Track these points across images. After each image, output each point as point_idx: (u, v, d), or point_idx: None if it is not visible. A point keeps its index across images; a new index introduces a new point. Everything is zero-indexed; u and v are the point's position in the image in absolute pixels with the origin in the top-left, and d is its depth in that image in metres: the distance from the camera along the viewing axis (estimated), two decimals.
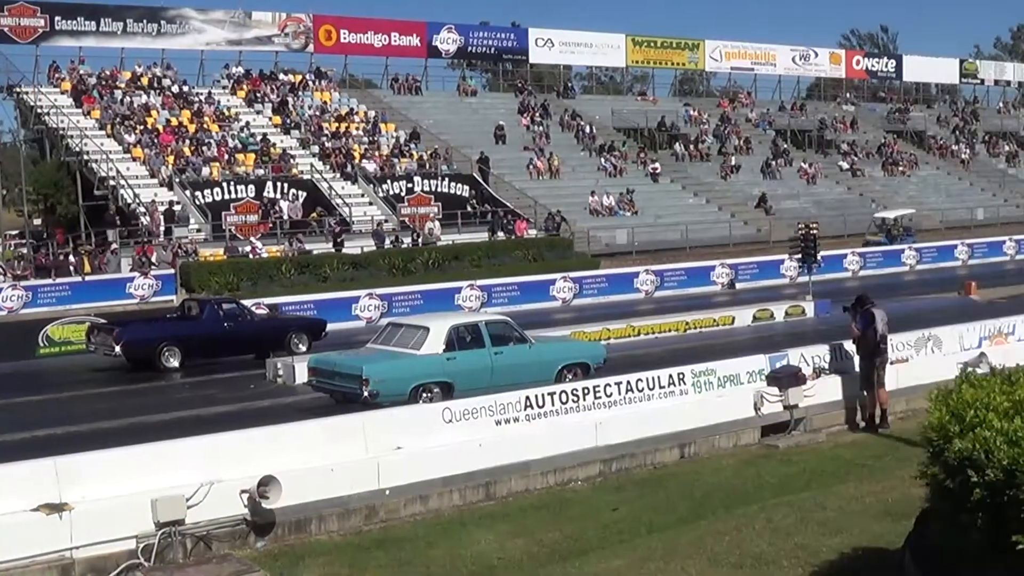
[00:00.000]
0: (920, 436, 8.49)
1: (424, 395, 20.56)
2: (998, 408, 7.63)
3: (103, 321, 31.30)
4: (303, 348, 29.07)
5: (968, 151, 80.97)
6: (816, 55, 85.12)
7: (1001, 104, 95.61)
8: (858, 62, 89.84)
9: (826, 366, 21.10)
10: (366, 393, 20.10)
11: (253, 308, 31.94)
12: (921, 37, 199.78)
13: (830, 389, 20.55)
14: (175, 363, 28.32)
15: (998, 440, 7.02)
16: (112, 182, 45.89)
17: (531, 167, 59.10)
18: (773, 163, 68.02)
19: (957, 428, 7.58)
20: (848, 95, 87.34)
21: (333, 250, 44.02)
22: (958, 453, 7.28)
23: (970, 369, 9.64)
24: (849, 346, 20.86)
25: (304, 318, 33.48)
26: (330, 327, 31.92)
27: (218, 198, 46.27)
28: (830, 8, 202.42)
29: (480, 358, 21.60)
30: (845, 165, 72.01)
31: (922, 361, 22.28)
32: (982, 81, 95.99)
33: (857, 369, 20.42)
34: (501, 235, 49.23)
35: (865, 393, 20.03)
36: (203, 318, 29.53)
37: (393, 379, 20.69)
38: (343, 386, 21.01)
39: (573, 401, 18.11)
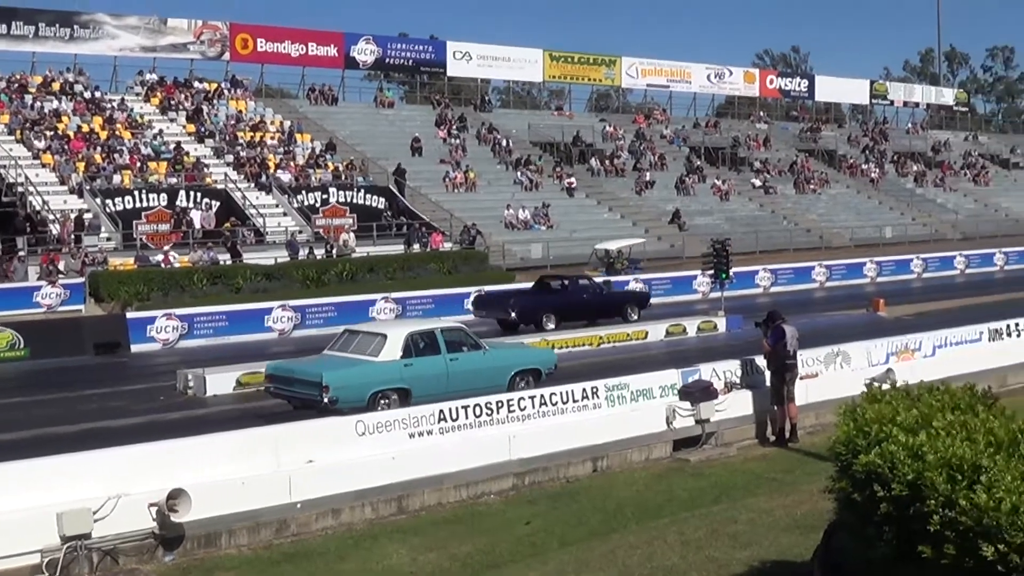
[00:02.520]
0: (828, 450, 8.59)
1: (382, 401, 20.75)
2: (903, 423, 7.76)
3: (491, 290, 39.53)
4: (635, 316, 36.93)
5: (877, 170, 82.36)
6: (731, 74, 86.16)
7: (910, 125, 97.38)
8: (771, 81, 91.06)
9: (737, 381, 21.34)
10: (326, 399, 20.22)
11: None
12: (833, 58, 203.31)
13: (741, 403, 20.77)
14: (551, 326, 34.65)
15: (903, 454, 7.13)
16: (21, 188, 45.02)
17: (447, 180, 59.10)
18: (687, 179, 68.65)
19: (864, 442, 7.68)
20: (761, 113, 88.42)
21: (236, 261, 43.38)
22: (865, 467, 7.37)
23: (877, 384, 9.80)
24: (760, 361, 21.11)
25: (636, 291, 42.24)
26: (242, 339, 33.15)
27: (129, 206, 45.51)
28: (744, 28, 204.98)
29: (436, 364, 21.85)
30: (758, 182, 72.83)
31: (831, 376, 22.59)
32: (891, 102, 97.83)
33: (768, 384, 20.65)
34: (416, 248, 49.05)
35: (775, 408, 20.25)
36: (568, 291, 37.01)
37: (352, 386, 20.82)
38: (302, 392, 21.08)
39: (487, 415, 18.15)
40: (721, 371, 21.28)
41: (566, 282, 37.73)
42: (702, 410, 19.68)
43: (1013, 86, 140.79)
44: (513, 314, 34.89)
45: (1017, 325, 27.70)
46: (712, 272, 38.35)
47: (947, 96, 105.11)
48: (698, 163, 72.78)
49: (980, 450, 6.93)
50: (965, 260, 59.18)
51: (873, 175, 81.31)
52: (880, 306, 39.52)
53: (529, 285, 38.81)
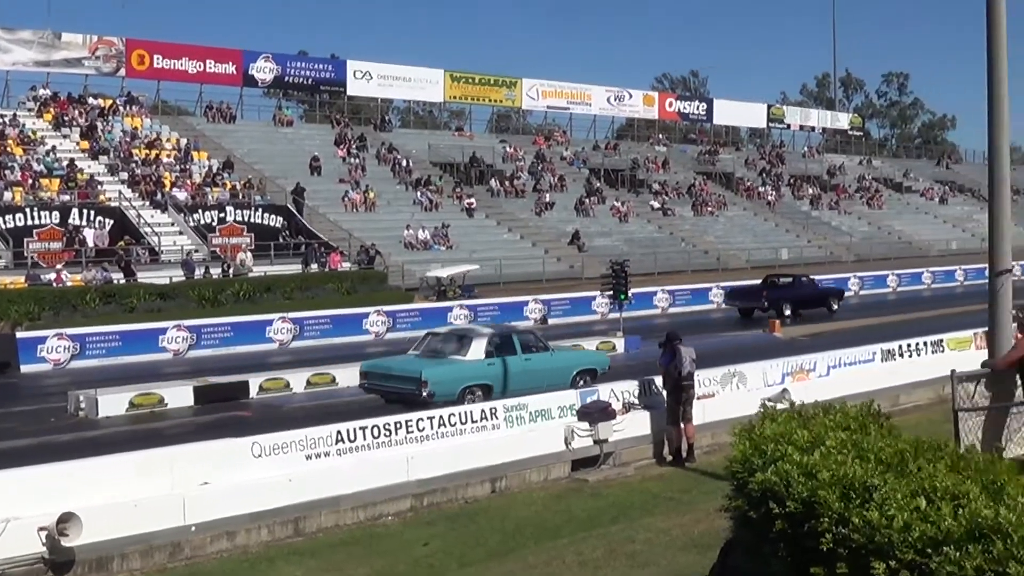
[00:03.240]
0: (725, 469, 8.65)
1: (469, 396, 23.07)
2: (798, 442, 7.83)
3: (739, 285, 50.29)
4: (835, 307, 47.64)
5: (774, 193, 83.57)
6: (630, 96, 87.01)
7: (806, 148, 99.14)
8: (671, 104, 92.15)
9: (635, 401, 21.43)
10: (424, 394, 22.59)
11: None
12: (731, 82, 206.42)
13: (639, 424, 20.87)
14: (788, 312, 44.36)
15: (797, 473, 7.19)
16: None
17: (346, 199, 58.80)
18: (586, 201, 69.07)
19: (760, 461, 7.73)
20: (660, 136, 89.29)
21: (130, 280, 42.71)
22: (760, 485, 7.42)
23: (773, 404, 9.89)
24: (658, 381, 21.25)
25: (835, 288, 51.43)
26: (136, 359, 33.22)
27: (20, 224, 44.66)
28: (644, 51, 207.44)
29: (514, 364, 24.49)
30: (656, 204, 73.50)
31: (728, 396, 22.78)
32: (788, 126, 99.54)
33: (665, 404, 20.78)
34: (314, 267, 48.72)
35: (672, 427, 20.38)
36: (794, 285, 47.28)
37: (446, 381, 23.30)
38: (400, 388, 23.53)
39: (385, 435, 18.01)
40: (619, 391, 21.36)
41: (791, 279, 48.03)
42: (600, 430, 19.74)
43: (907, 111, 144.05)
44: (766, 303, 44.71)
45: (909, 346, 28.25)
46: (611, 293, 38.57)
47: (842, 121, 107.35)
48: (597, 185, 73.27)
49: (872, 468, 7.01)
50: (859, 282, 60.18)
51: (770, 198, 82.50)
52: (776, 327, 39.98)
53: (756, 282, 47.85)
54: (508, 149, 74.37)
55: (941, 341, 29.14)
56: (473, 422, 19.20)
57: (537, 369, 24.67)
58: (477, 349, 24.46)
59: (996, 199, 15.44)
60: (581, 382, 24.72)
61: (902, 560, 6.11)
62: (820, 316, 45.23)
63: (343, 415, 20.87)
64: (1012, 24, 15.30)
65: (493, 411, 19.59)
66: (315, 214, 55.66)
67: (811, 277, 50.33)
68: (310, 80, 71.21)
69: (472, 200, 63.61)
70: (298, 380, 28.30)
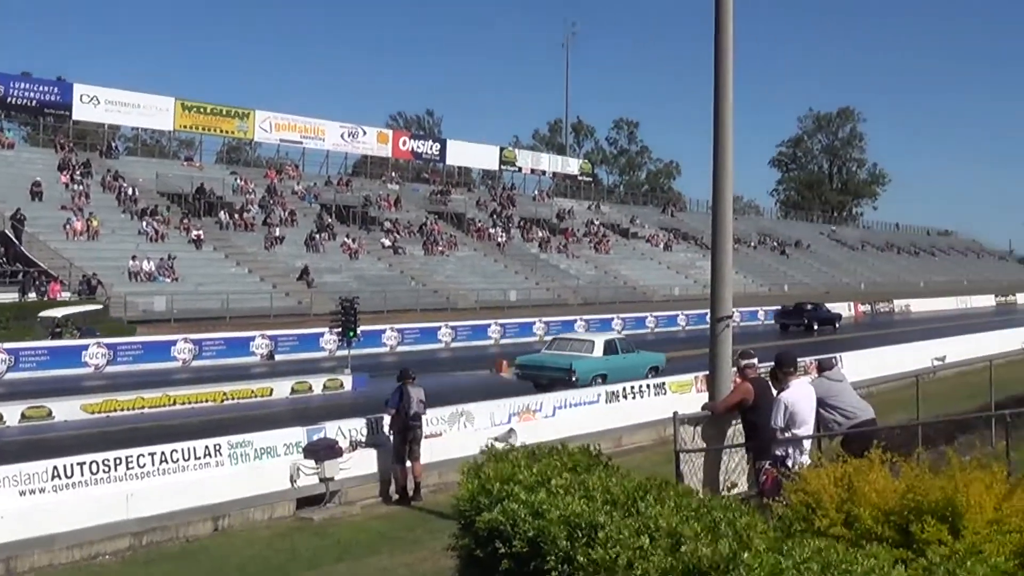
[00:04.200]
0: (452, 508, 8.71)
1: (596, 380, 32.09)
2: (524, 482, 7.94)
3: (787, 307, 69.63)
4: (837, 326, 67.62)
5: (504, 235, 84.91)
6: (364, 133, 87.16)
7: (536, 192, 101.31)
8: (404, 143, 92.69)
9: (363, 439, 21.35)
10: (573, 378, 31.67)
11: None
12: (465, 124, 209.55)
13: (366, 462, 20.82)
14: (816, 328, 64.34)
15: (524, 512, 7.28)
16: None
17: (68, 227, 56.66)
18: (317, 236, 68.62)
19: (487, 500, 7.80)
20: (393, 174, 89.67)
21: None
22: (487, 524, 7.48)
23: (500, 444, 10.02)
24: (387, 420, 21.23)
25: (837, 313, 71.76)
26: None
27: None
28: (380, 89, 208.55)
29: (617, 360, 34.36)
30: (387, 242, 73.61)
31: (455, 436, 22.95)
32: (520, 169, 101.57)
33: (392, 443, 20.78)
34: (33, 296, 46.76)
35: (398, 466, 20.40)
36: (817, 311, 67.97)
37: (584, 371, 32.82)
38: (553, 375, 32.38)
39: (104, 471, 17.41)
40: (347, 429, 21.24)
41: (813, 306, 69.27)
42: (326, 468, 19.60)
43: (635, 159, 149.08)
44: (805, 321, 65.95)
45: (632, 388, 29.09)
46: (340, 330, 38.38)
47: (573, 166, 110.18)
48: (329, 220, 72.92)
49: (598, 507, 7.16)
50: (585, 324, 61.65)
51: (500, 239, 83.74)
52: (503, 367, 40.51)
53: (791, 306, 69.38)
54: (239, 181, 73.31)
55: (663, 384, 30.16)
56: (196, 459, 18.74)
57: (630, 365, 34.14)
58: (598, 349, 34.42)
59: (718, 247, 16.04)
60: (651, 375, 33.31)
61: None
62: None
63: (60, 450, 20.05)
64: (740, 76, 15.98)
65: (217, 448, 19.17)
66: (35, 241, 53.44)
67: (824, 304, 72.49)
68: (34, 102, 68.48)
69: (200, 232, 62.27)
70: (11, 413, 27.09)
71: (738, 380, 13.90)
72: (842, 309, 79.13)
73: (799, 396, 12.68)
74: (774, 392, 12.91)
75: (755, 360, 13.75)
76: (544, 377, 32.45)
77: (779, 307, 70.97)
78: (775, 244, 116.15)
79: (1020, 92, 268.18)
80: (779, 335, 61.75)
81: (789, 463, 12.06)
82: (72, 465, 17.13)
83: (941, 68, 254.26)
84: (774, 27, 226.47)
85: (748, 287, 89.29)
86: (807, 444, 12.63)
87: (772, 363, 13.27)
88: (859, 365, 32.94)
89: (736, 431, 13.61)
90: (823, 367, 14.21)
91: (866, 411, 13.39)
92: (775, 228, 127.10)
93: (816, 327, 65.02)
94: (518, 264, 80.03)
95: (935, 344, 43.64)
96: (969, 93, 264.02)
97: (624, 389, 28.83)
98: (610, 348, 34.59)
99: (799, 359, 14.18)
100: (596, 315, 65.11)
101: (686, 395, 28.91)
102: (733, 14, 15.71)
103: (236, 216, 67.57)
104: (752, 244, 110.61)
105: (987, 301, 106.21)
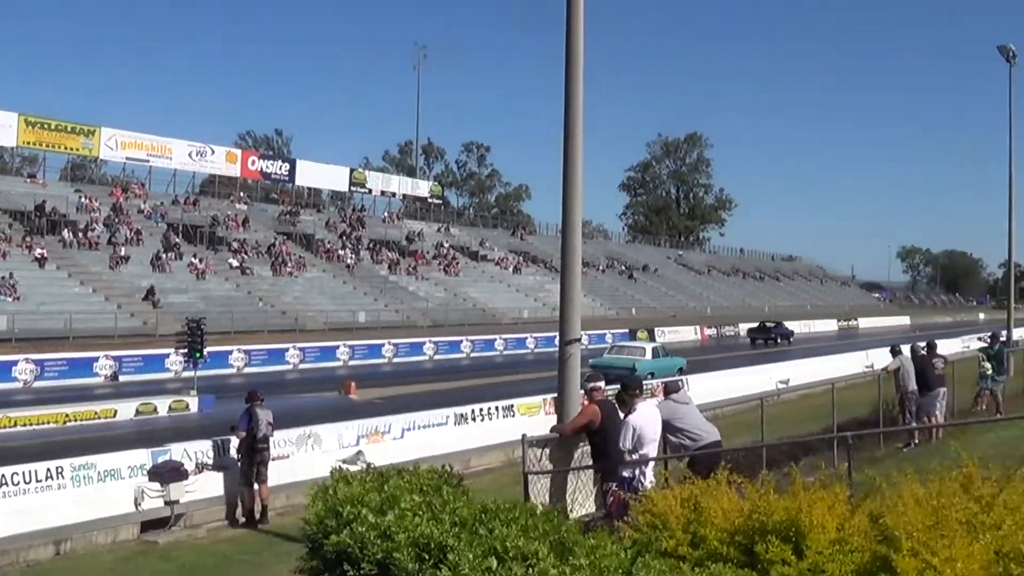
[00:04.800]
0: (300, 531, 8.66)
1: (648, 376, 39.37)
2: (372, 504, 7.94)
3: (757, 326, 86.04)
4: (791, 340, 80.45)
5: (353, 256, 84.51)
6: (213, 152, 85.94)
7: (386, 214, 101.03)
8: (253, 163, 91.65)
9: (209, 462, 21.08)
10: (635, 374, 34.22)
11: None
12: (316, 144, 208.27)
13: (212, 484, 20.57)
14: (779, 342, 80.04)
15: (372, 535, 7.28)
16: None
17: None
18: (164, 256, 67.43)
19: (335, 523, 7.79)
20: (242, 194, 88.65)
21: None
22: (335, 547, 7.47)
23: (347, 466, 10.01)
24: (234, 442, 21.00)
25: (791, 330, 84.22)
26: None
27: None
28: (229, 108, 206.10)
29: (662, 362, 46.40)
30: (235, 263, 72.66)
31: (303, 458, 22.84)
32: (370, 191, 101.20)
33: (239, 465, 20.56)
34: None
35: (244, 489, 20.20)
36: (778, 328, 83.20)
37: (643, 369, 41.77)
38: (620, 372, 34.52)
39: None
40: (193, 451, 20.95)
41: (775, 323, 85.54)
42: (172, 491, 19.31)
43: (485, 182, 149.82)
44: (773, 336, 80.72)
45: (481, 410, 29.25)
46: (186, 351, 37.84)
47: (423, 188, 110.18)
48: (176, 240, 71.71)
49: (446, 529, 7.20)
50: (434, 346, 61.75)
51: (349, 261, 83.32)
52: (352, 389, 40.41)
53: (756, 325, 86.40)
54: (83, 199, 71.67)
55: (512, 406, 30.39)
56: (38, 481, 18.31)
57: (668, 365, 45.72)
58: (649, 354, 47.19)
59: (567, 271, 16.23)
60: (678, 373, 41.87)
61: None
62: (395, 380, 46.12)
63: None
64: (590, 100, 16.20)
65: (59, 470, 18.75)
66: None
67: (783, 323, 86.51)
68: None
69: (43, 251, 60.75)
70: None
71: (585, 402, 14.08)
72: (688, 333, 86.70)
73: (646, 419, 12.90)
74: (621, 415, 13.11)
75: (602, 383, 13.94)
76: (612, 373, 32.16)
77: (753, 324, 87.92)
78: (623, 268, 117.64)
79: (865, 120, 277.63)
80: (750, 347, 77.63)
81: (636, 485, 12.26)
82: None
83: (788, 96, 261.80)
84: (625, 52, 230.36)
85: (596, 310, 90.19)
86: (651, 465, 12.85)
87: (618, 387, 13.51)
88: (702, 387, 33.61)
89: (583, 453, 13.78)
90: (669, 390, 14.49)
91: (712, 433, 13.69)
92: (623, 252, 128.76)
93: (778, 341, 79.93)
94: (367, 286, 79.66)
95: (779, 367, 44.81)
96: (816, 121, 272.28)
97: (473, 411, 28.97)
98: (655, 353, 47.85)
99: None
100: (445, 337, 65.17)
101: (535, 417, 29.19)
102: (584, 39, 15.95)
103: (80, 235, 66.00)
104: (600, 268, 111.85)
105: (830, 325, 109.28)
